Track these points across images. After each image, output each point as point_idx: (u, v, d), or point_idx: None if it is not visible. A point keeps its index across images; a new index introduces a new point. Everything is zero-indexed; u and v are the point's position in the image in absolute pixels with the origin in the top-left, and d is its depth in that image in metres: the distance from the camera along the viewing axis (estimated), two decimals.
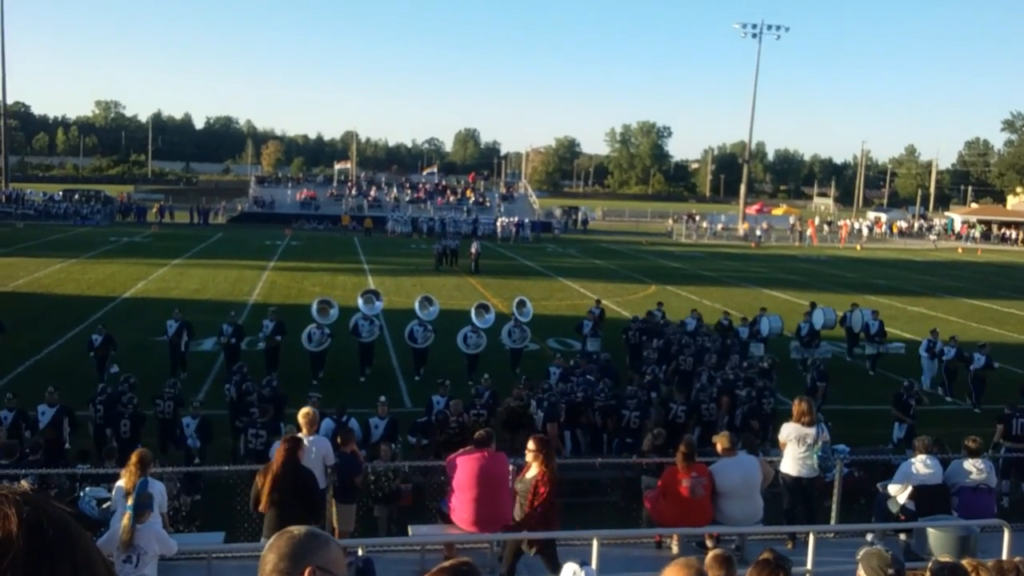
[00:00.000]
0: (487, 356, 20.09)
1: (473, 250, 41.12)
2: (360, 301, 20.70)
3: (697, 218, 79.35)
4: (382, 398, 13.99)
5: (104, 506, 8.71)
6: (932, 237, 74.77)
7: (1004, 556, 7.42)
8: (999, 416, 14.23)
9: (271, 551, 2.24)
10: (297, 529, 2.34)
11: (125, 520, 6.91)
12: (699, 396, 15.03)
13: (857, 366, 22.90)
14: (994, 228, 78.73)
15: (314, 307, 20.04)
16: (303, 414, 9.74)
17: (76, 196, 66.58)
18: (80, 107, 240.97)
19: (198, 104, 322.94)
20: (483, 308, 20.99)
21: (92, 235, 50.69)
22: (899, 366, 21.61)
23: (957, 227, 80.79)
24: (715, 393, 15.34)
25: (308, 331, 19.19)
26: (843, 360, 23.23)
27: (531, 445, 8.66)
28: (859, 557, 4.36)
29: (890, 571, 4.12)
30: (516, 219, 62.80)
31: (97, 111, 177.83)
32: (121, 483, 8.17)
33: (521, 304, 21.40)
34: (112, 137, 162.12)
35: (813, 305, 24.01)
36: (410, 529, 9.31)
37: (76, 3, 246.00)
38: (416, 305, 21.09)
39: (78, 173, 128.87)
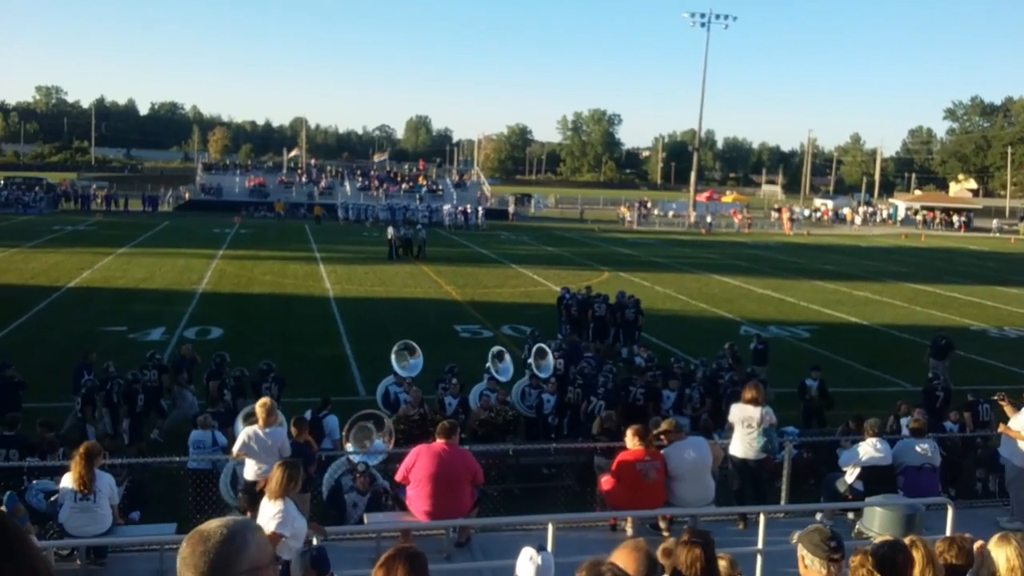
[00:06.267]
0: (454, 353, 17.02)
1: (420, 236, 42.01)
2: (350, 444, 10.77)
3: (648, 205, 79.85)
4: None
5: (51, 499, 8.55)
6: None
7: (948, 533, 7.62)
8: (965, 403, 13.60)
9: (187, 569, 1.95)
10: (210, 532, 2.01)
11: None
12: (656, 383, 14.81)
13: None
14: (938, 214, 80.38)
15: (238, 422, 10.54)
16: (261, 404, 9.60)
17: (17, 184, 64.99)
18: (20, 92, 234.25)
19: (142, 89, 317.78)
20: (498, 357, 14.74)
21: (35, 224, 49.48)
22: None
23: (901, 214, 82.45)
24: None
25: (232, 468, 10.28)
26: None
27: None
28: (795, 540, 4.46)
29: (832, 543, 4.28)
30: (463, 207, 62.51)
31: (38, 96, 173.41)
32: (68, 476, 8.05)
33: (541, 354, 15.06)
34: (54, 123, 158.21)
35: None
36: (365, 517, 9.26)
37: None
38: (393, 357, 13.95)
39: (19, 160, 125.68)
